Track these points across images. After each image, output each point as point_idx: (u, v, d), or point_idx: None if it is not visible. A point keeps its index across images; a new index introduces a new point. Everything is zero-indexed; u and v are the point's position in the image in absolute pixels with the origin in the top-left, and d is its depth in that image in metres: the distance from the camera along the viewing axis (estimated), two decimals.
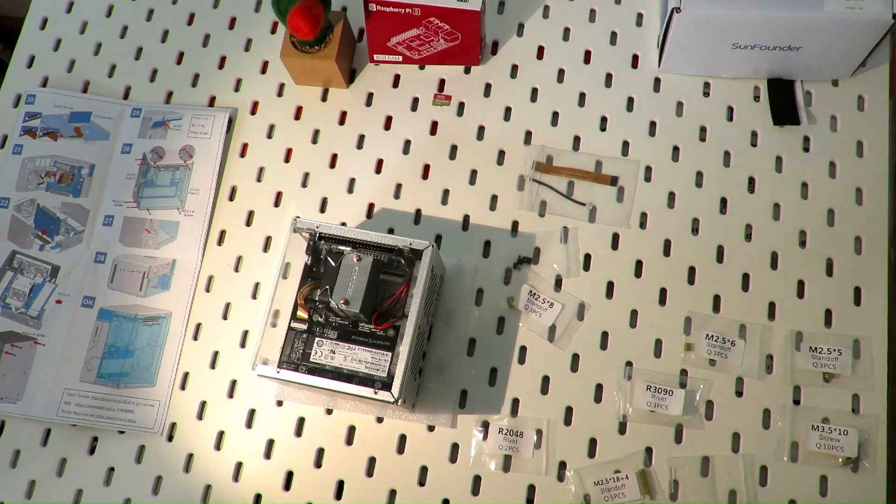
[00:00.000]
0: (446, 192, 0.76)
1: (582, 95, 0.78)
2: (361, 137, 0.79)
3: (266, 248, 0.75)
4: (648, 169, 0.75)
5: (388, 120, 0.79)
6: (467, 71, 0.80)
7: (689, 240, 0.73)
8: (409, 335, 0.60)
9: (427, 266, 0.61)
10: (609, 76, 0.79)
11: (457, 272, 0.72)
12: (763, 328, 0.69)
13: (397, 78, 0.80)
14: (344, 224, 0.75)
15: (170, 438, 0.70)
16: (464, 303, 0.71)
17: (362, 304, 0.59)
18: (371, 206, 0.76)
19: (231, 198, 0.77)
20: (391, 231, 0.75)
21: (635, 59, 0.79)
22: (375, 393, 0.59)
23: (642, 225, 0.73)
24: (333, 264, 0.62)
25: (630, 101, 0.78)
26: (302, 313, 0.63)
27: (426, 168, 0.77)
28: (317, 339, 0.62)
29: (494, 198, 0.75)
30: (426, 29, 0.74)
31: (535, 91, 0.79)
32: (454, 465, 0.67)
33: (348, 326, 0.62)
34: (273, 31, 0.83)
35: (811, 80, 0.76)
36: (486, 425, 0.68)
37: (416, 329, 0.60)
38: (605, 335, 0.70)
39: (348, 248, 0.63)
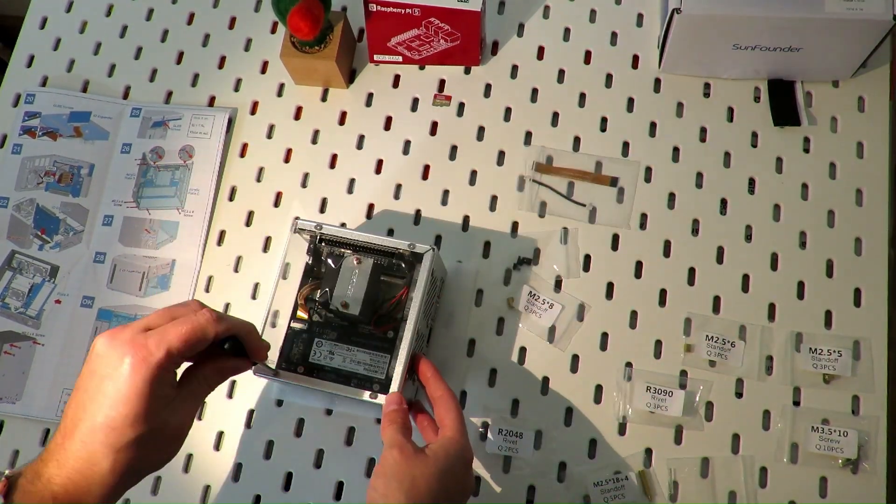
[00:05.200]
0: (446, 192, 0.76)
1: (582, 96, 0.78)
2: (361, 138, 0.79)
3: (266, 248, 0.75)
4: (648, 170, 0.75)
5: (388, 120, 0.79)
6: (467, 71, 0.80)
7: (689, 240, 0.73)
8: (408, 338, 0.60)
9: (427, 269, 0.61)
10: (609, 76, 0.79)
11: (456, 273, 0.72)
12: (763, 329, 0.69)
13: (397, 78, 0.80)
14: (344, 224, 0.75)
15: None
16: (463, 303, 0.71)
17: (362, 307, 0.59)
18: (371, 206, 0.76)
19: (231, 198, 0.77)
20: (391, 232, 0.74)
21: (635, 59, 0.79)
22: (375, 396, 0.59)
23: (642, 226, 0.73)
24: (334, 266, 0.62)
25: (630, 101, 0.78)
26: (302, 314, 0.63)
27: (426, 168, 0.77)
28: (316, 339, 0.62)
29: (494, 198, 0.75)
30: (426, 29, 0.74)
31: (535, 91, 0.79)
32: None
33: (348, 327, 0.62)
34: (273, 31, 0.83)
35: (811, 80, 0.76)
36: (485, 426, 0.68)
37: (415, 332, 0.60)
38: (604, 336, 0.70)
39: (349, 251, 0.63)
